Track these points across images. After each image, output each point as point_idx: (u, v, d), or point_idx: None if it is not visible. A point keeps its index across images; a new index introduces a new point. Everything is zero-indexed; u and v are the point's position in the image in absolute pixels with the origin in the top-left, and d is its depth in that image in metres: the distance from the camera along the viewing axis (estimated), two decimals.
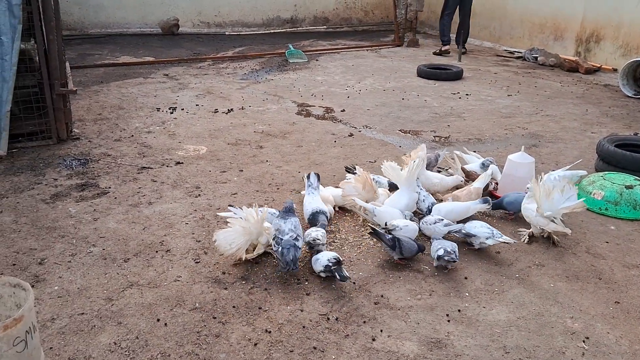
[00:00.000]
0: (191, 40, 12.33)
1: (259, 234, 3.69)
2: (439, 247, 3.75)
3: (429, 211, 4.34)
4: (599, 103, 8.23)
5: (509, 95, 8.49)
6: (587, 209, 4.71)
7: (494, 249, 4.05)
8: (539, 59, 10.99)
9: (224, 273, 3.65)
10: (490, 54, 12.01)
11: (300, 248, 3.65)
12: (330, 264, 3.50)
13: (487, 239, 3.94)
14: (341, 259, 3.58)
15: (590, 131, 6.88)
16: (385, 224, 3.99)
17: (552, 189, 4.07)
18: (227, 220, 3.72)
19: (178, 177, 5.12)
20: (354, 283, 3.60)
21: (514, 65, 10.89)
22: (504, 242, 3.94)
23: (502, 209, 4.52)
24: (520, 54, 11.66)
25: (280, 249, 3.58)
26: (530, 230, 4.24)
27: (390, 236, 3.81)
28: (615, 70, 9.78)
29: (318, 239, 3.74)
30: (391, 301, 3.44)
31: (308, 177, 4.52)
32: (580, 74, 10.18)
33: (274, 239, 3.69)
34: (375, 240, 4.05)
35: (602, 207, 4.69)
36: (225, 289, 3.49)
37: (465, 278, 3.70)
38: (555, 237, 4.15)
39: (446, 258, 3.67)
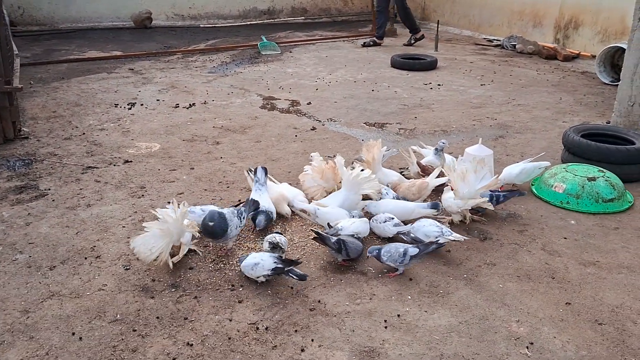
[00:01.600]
0: (164, 34, 12.05)
1: (180, 234, 3.49)
2: (404, 248, 3.50)
3: None
4: (574, 91, 8.02)
5: (482, 85, 8.28)
6: (548, 203, 4.54)
7: (444, 248, 3.84)
8: (517, 46, 10.77)
9: (153, 280, 3.44)
10: (468, 43, 11.79)
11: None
12: (282, 266, 3.30)
13: (436, 238, 3.74)
14: (284, 258, 3.41)
15: (562, 120, 6.67)
16: (329, 225, 3.78)
17: (466, 172, 4.00)
18: (144, 224, 3.52)
19: (124, 176, 4.89)
20: (292, 288, 3.39)
21: (491, 54, 10.67)
22: (454, 240, 3.75)
23: None
24: (499, 42, 11.43)
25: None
26: (450, 217, 4.13)
27: (335, 239, 3.60)
28: (594, 56, 9.54)
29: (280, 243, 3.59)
30: (328, 307, 3.23)
31: (255, 172, 4.27)
32: (558, 61, 9.97)
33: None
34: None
35: (564, 200, 4.49)
36: (152, 297, 3.28)
37: (410, 279, 3.50)
38: (474, 217, 4.20)
39: (426, 251, 3.56)
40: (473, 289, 3.42)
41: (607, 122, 6.44)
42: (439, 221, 3.92)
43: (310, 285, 3.42)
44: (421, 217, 4.00)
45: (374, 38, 11.33)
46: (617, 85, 8.04)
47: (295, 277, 3.32)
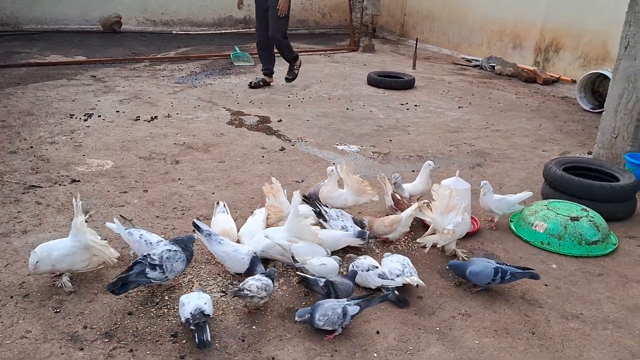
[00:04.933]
0: (133, 39, 11.59)
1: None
2: (341, 307, 3.04)
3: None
4: (554, 117, 7.78)
5: (459, 107, 7.99)
6: (528, 242, 4.22)
7: (415, 293, 3.49)
8: (496, 68, 10.56)
9: (85, 327, 3.01)
10: (447, 62, 11.54)
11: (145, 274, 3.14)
12: (192, 321, 2.88)
13: (397, 276, 3.41)
14: (208, 313, 2.93)
15: (542, 149, 6.40)
16: (293, 259, 3.45)
17: (454, 206, 3.79)
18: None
19: (68, 199, 4.45)
20: (243, 341, 3.00)
21: (469, 75, 10.42)
22: (409, 284, 3.40)
23: (464, 278, 3.57)
24: (477, 63, 11.21)
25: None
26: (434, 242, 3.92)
27: (323, 282, 3.25)
28: (574, 81, 9.36)
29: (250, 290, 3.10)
30: None
31: (198, 228, 3.54)
32: (538, 84, 9.77)
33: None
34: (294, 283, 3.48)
35: (544, 240, 4.17)
36: (81, 349, 2.86)
37: (377, 332, 3.14)
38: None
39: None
40: (446, 345, 3.07)
41: (588, 153, 6.19)
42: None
43: (265, 338, 3.03)
44: (399, 252, 3.63)
45: (264, 77, 8.59)
46: (598, 112, 7.88)
47: (196, 339, 2.84)
